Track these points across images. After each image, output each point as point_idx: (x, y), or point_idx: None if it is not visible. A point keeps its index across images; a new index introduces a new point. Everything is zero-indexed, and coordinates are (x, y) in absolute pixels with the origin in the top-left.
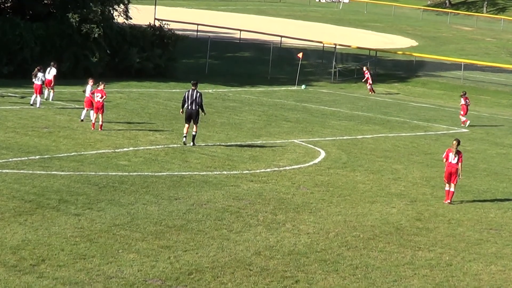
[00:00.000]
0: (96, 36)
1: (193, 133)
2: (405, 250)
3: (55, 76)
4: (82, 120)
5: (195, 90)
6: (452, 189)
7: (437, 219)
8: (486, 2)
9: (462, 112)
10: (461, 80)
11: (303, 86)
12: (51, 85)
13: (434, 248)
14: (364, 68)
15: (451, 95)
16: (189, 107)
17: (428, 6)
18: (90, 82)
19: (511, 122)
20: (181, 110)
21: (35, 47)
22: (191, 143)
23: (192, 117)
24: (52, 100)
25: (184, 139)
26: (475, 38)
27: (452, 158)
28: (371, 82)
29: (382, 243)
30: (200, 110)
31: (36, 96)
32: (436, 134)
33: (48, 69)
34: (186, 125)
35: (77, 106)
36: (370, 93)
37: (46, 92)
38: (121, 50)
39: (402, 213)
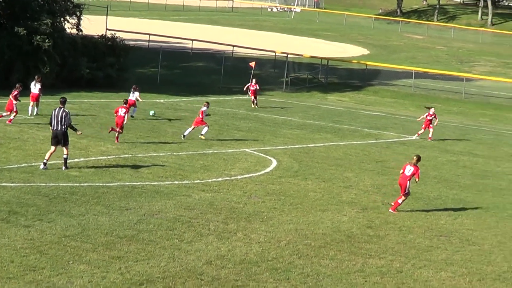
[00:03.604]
0: (46, 47)
1: (64, 155)
2: (356, 258)
3: (40, 90)
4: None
5: (62, 109)
6: (399, 200)
7: (388, 227)
8: (436, 11)
9: (423, 126)
10: (412, 88)
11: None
12: (37, 99)
13: (384, 255)
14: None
15: (402, 103)
16: (55, 127)
17: (380, 15)
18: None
19: (462, 130)
20: (51, 129)
21: None
22: (63, 167)
23: (58, 138)
24: (36, 114)
25: (42, 165)
26: (426, 46)
27: (408, 171)
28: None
29: (333, 251)
30: (70, 130)
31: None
32: (387, 142)
33: (33, 83)
34: (52, 148)
35: (27, 117)
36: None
37: (30, 108)
38: (72, 61)
39: (353, 221)
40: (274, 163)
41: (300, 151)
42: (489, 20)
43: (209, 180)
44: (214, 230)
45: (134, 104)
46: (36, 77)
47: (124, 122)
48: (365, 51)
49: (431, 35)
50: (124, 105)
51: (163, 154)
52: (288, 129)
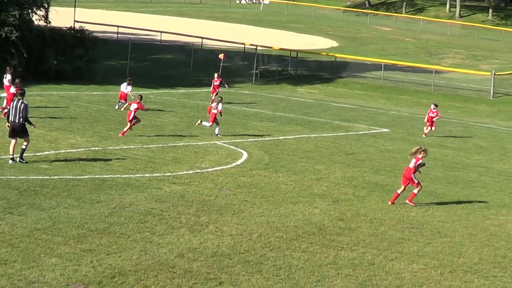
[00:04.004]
0: (14, 39)
1: (23, 146)
2: (328, 250)
3: (9, 81)
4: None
5: (21, 101)
6: (415, 191)
7: (359, 219)
8: (405, 3)
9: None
10: (382, 80)
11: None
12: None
13: (356, 247)
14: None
15: (372, 96)
16: (12, 119)
17: (348, 7)
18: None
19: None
20: (7, 123)
21: None
22: (18, 159)
23: (16, 131)
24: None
25: (10, 160)
26: (395, 38)
27: (411, 163)
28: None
29: (305, 244)
30: (27, 123)
31: None
32: (357, 134)
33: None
34: (12, 141)
35: None
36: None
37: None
38: (39, 53)
39: (324, 213)
40: (245, 155)
41: (271, 144)
42: (457, 12)
43: (180, 173)
44: (186, 223)
45: (126, 97)
46: (7, 68)
47: (131, 119)
48: (334, 43)
49: (399, 27)
50: (137, 101)
51: (134, 146)
52: (258, 121)
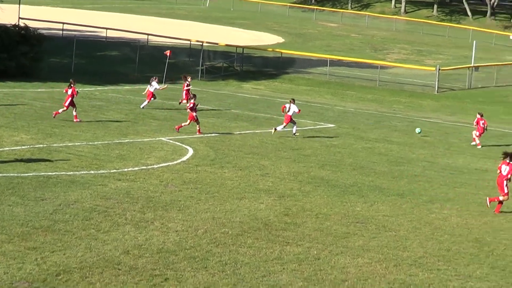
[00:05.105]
0: None
1: None
2: (274, 245)
3: None
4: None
5: None
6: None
7: (305, 214)
8: None
9: (477, 133)
10: (327, 76)
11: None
12: None
13: (302, 242)
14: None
15: (318, 91)
16: None
17: (294, 3)
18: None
19: (376, 117)
20: None
21: None
22: None
23: None
24: None
25: None
26: (341, 34)
27: (504, 170)
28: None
29: (251, 239)
30: None
31: None
32: (303, 129)
33: None
34: None
35: None
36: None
37: None
38: None
39: (270, 208)
40: (191, 151)
41: (217, 140)
42: (403, 8)
43: (125, 170)
44: (131, 219)
45: (153, 96)
46: None
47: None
48: (280, 39)
49: (345, 23)
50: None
51: (79, 144)
52: (204, 117)
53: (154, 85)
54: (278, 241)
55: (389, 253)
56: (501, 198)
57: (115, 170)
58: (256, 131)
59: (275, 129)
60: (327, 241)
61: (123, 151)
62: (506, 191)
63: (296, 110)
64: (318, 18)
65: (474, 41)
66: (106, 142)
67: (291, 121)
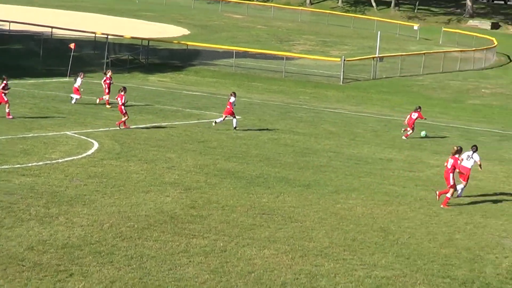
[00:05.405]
0: None
1: None
2: (180, 238)
3: None
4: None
5: None
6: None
7: (211, 206)
8: None
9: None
10: (233, 67)
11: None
12: None
13: (208, 235)
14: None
15: (223, 83)
16: None
17: None
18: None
19: (282, 108)
20: None
21: None
22: None
23: None
24: None
25: None
26: (246, 26)
27: (449, 163)
28: None
29: (157, 232)
30: None
31: None
32: (209, 121)
33: None
34: None
35: None
36: None
37: None
38: None
39: (176, 201)
40: (96, 145)
41: (122, 133)
42: None
43: (30, 164)
44: (36, 215)
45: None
46: None
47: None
48: (186, 31)
49: (251, 15)
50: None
51: None
52: (109, 111)
53: (78, 81)
54: (184, 234)
55: (295, 244)
56: (448, 194)
57: (19, 165)
58: (162, 124)
59: (215, 121)
60: (233, 233)
61: (27, 146)
62: (452, 182)
63: (232, 99)
64: (223, 9)
65: (379, 32)
66: (9, 136)
67: (232, 114)
